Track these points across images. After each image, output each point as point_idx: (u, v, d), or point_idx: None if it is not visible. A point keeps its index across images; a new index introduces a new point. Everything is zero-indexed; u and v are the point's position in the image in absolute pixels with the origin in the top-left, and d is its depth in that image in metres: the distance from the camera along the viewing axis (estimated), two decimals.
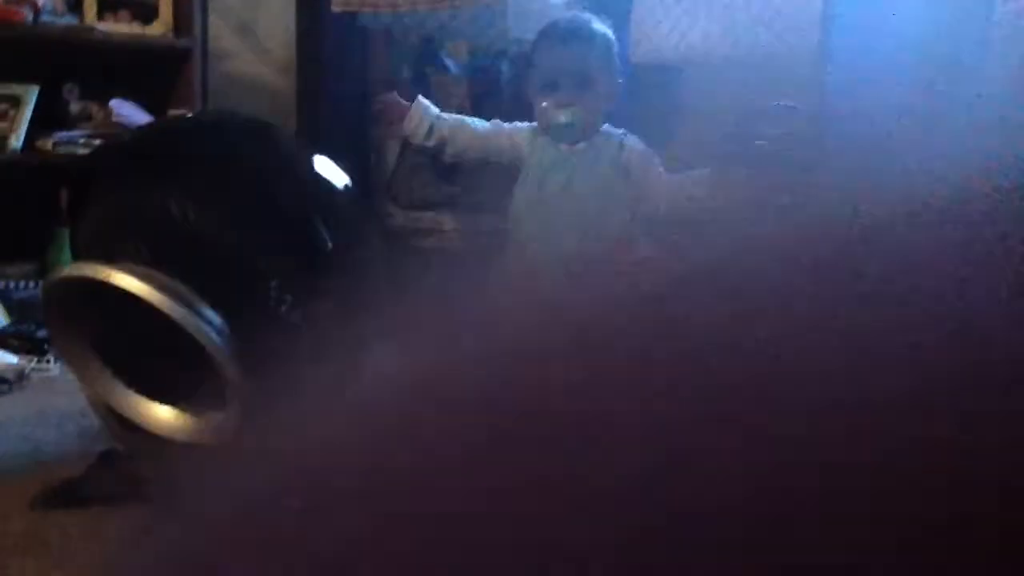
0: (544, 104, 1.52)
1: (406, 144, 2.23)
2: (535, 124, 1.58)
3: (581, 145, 1.54)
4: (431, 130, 1.56)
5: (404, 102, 1.54)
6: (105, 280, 1.06)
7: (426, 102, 1.58)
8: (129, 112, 2.25)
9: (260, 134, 1.24)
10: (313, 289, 1.15)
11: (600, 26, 1.56)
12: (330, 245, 1.17)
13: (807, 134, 1.51)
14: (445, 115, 1.59)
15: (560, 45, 1.52)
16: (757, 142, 2.09)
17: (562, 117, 1.50)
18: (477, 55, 2.42)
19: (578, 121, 1.50)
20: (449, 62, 2.22)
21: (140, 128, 1.72)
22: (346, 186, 1.25)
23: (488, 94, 2.38)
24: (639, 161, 1.53)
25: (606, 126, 1.56)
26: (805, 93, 1.49)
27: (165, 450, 1.18)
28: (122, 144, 1.33)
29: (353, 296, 1.21)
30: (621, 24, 1.95)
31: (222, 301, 1.09)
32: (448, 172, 2.35)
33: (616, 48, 1.57)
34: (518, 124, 1.60)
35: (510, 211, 1.58)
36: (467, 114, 2.45)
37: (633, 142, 1.54)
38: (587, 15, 1.59)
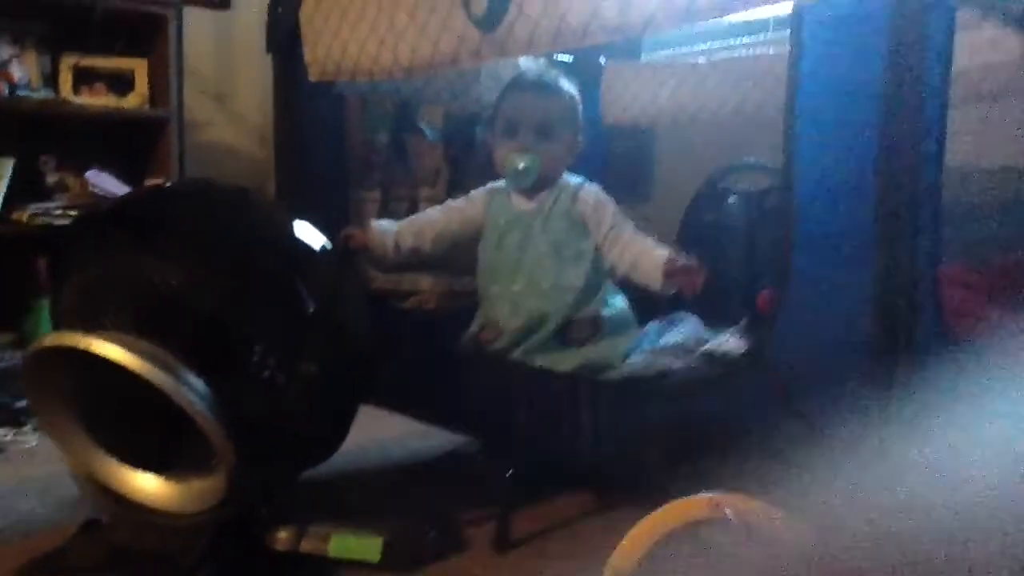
0: (503, 150, 1.56)
1: (383, 209, 2.26)
2: (491, 186, 1.62)
3: (534, 204, 1.57)
4: (397, 245, 1.59)
5: (362, 231, 1.58)
6: (87, 349, 1.06)
7: (381, 223, 1.62)
8: (105, 183, 2.26)
9: (239, 200, 1.25)
10: (297, 351, 1.16)
11: (566, 83, 1.60)
12: (312, 307, 1.18)
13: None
14: (402, 222, 1.63)
15: (523, 93, 1.58)
16: (728, 200, 2.14)
17: (519, 163, 1.53)
18: (451, 120, 2.47)
19: (534, 167, 1.52)
20: (424, 127, 2.26)
21: (121, 196, 1.73)
22: (326, 248, 1.27)
23: (463, 157, 2.41)
24: (591, 212, 1.55)
25: (564, 177, 1.59)
26: (775, 151, 1.54)
27: (149, 519, 1.17)
28: (102, 212, 1.33)
29: (337, 357, 1.21)
30: (592, 87, 2.00)
31: (206, 366, 1.09)
32: None
33: (580, 107, 1.61)
34: (472, 192, 1.64)
35: (476, 271, 1.60)
36: (445, 177, 2.49)
37: (588, 191, 1.57)
38: (555, 72, 1.64)
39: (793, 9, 0.95)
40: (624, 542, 0.85)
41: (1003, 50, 1.40)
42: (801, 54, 0.95)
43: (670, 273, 1.41)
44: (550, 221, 1.55)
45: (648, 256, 1.48)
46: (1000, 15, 0.99)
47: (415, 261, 1.68)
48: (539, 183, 1.56)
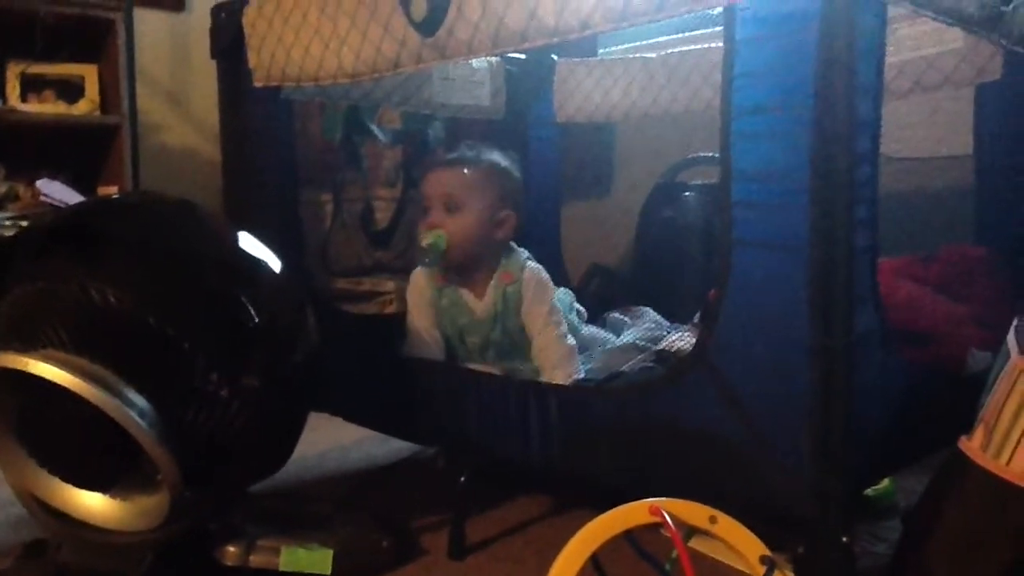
0: (419, 228, 1.53)
1: (337, 211, 2.24)
2: (420, 272, 1.56)
3: (484, 306, 1.51)
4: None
5: None
6: (23, 369, 1.04)
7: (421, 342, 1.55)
8: (57, 191, 2.22)
9: (181, 213, 1.23)
10: (240, 364, 1.14)
11: (488, 156, 1.55)
12: (255, 320, 1.16)
13: None
14: (414, 342, 1.56)
15: (432, 169, 1.55)
16: (684, 194, 2.14)
17: (423, 241, 1.49)
18: (408, 121, 2.46)
19: (438, 244, 1.47)
20: (376, 130, 2.25)
21: (59, 211, 1.70)
22: (272, 260, 1.25)
23: (417, 160, 2.41)
24: (528, 303, 1.50)
25: (507, 256, 1.53)
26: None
27: (94, 538, 1.15)
28: (40, 227, 1.31)
29: (282, 369, 1.20)
30: (546, 85, 2.00)
31: (147, 383, 1.07)
32: (382, 238, 2.36)
33: (511, 180, 1.55)
34: (409, 289, 1.57)
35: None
36: (399, 181, 2.48)
37: (529, 276, 1.51)
38: (482, 149, 1.57)
39: (725, 8, 0.94)
40: (563, 553, 0.84)
41: (947, 39, 1.41)
42: (734, 53, 0.95)
43: None
44: (507, 322, 1.51)
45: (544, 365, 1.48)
46: (931, 10, 0.99)
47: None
48: (457, 261, 1.51)
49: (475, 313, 1.52)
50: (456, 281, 1.54)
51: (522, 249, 1.57)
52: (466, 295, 1.53)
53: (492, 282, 1.52)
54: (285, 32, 1.42)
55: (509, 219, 1.53)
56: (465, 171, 1.52)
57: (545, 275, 1.53)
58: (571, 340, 1.51)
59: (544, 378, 1.45)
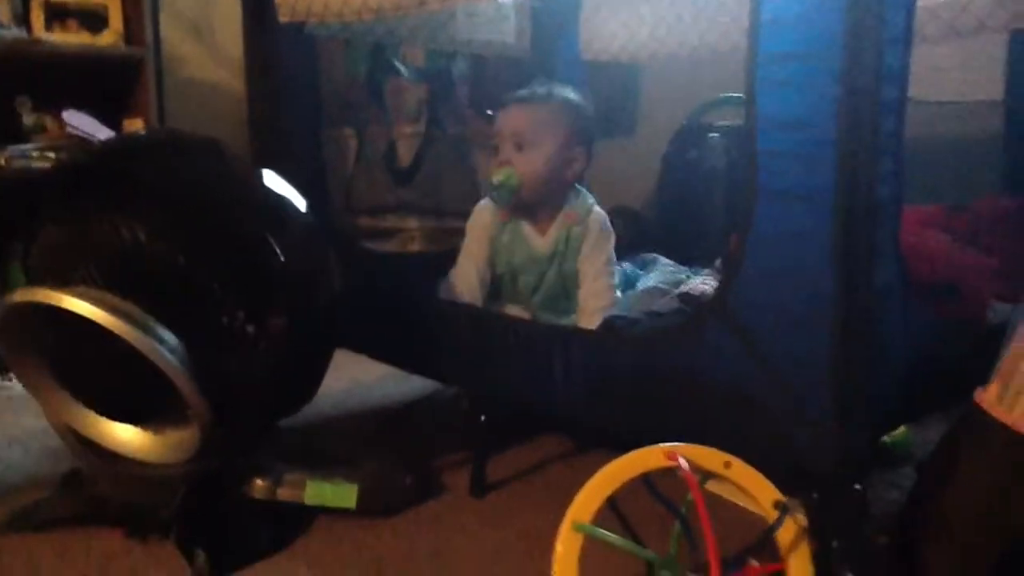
0: (491, 167, 1.50)
1: (361, 149, 2.24)
2: (484, 207, 1.54)
3: (546, 243, 1.49)
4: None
5: None
6: (57, 304, 1.06)
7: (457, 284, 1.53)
8: (83, 123, 2.23)
9: (208, 153, 1.24)
10: (266, 304, 1.16)
11: (560, 93, 1.51)
12: (282, 259, 1.18)
13: None
14: (457, 281, 1.53)
15: (504, 108, 1.51)
16: (710, 135, 2.13)
17: (494, 178, 1.47)
18: (432, 58, 2.44)
19: (508, 182, 1.45)
20: (401, 67, 2.23)
21: (88, 150, 1.71)
22: (297, 200, 1.26)
23: (442, 94, 2.39)
24: (588, 246, 1.49)
25: (574, 198, 1.51)
26: None
27: (127, 470, 1.19)
28: (70, 166, 1.33)
29: (307, 308, 1.22)
30: (571, 22, 1.97)
31: (176, 320, 1.10)
32: (405, 176, 2.36)
33: (583, 118, 1.51)
34: (472, 221, 1.54)
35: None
36: (426, 115, 2.46)
37: (594, 221, 1.49)
38: (554, 85, 1.54)
39: None
40: (580, 495, 0.86)
41: None
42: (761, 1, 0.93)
43: None
44: (564, 264, 1.49)
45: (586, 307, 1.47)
46: None
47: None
48: (526, 198, 1.48)
49: (535, 250, 1.50)
50: (521, 216, 1.51)
51: (588, 192, 1.55)
52: (528, 231, 1.51)
53: (557, 220, 1.50)
54: None
55: (579, 157, 1.50)
56: (536, 108, 1.49)
57: (608, 224, 1.51)
58: (618, 294, 1.51)
59: (581, 323, 1.44)
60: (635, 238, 2.08)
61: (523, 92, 1.54)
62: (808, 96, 0.92)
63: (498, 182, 1.46)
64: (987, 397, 0.96)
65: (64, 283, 1.11)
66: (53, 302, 1.08)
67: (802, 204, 0.94)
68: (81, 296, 1.08)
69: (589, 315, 1.45)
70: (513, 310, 1.51)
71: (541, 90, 1.52)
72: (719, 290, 1.05)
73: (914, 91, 0.96)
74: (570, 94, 1.52)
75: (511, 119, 1.49)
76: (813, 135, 0.92)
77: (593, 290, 1.48)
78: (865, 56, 0.88)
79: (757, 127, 0.96)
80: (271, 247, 1.17)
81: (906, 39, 0.92)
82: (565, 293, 1.52)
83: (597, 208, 1.52)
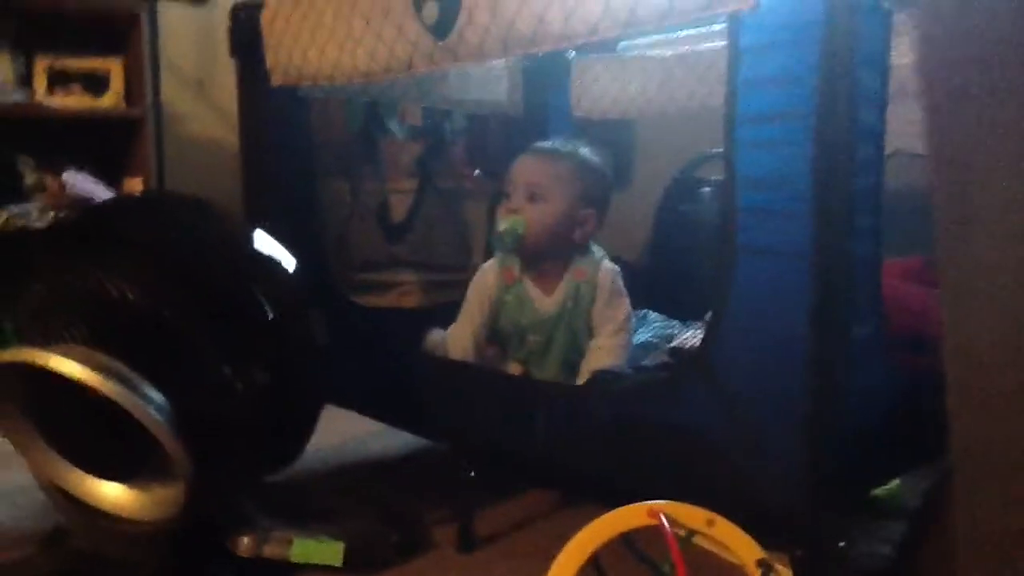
0: (499, 213, 1.49)
1: (354, 204, 2.27)
2: (494, 265, 1.52)
3: (553, 304, 1.47)
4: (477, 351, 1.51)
5: None
6: (44, 365, 1.07)
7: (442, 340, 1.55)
8: (83, 183, 2.27)
9: (197, 212, 1.27)
10: (252, 359, 1.17)
11: (582, 153, 1.50)
12: (269, 315, 1.19)
13: None
14: (455, 336, 1.53)
15: (522, 157, 1.50)
16: (701, 189, 2.15)
17: (500, 224, 1.45)
18: (428, 114, 2.48)
19: (515, 229, 1.43)
20: (394, 127, 2.27)
21: (79, 210, 1.74)
22: (284, 256, 1.28)
23: (437, 151, 2.42)
24: (601, 305, 1.47)
25: (583, 256, 1.49)
26: None
27: (112, 527, 1.19)
28: (61, 226, 1.35)
29: (294, 364, 1.23)
30: (563, 81, 2.01)
31: (162, 376, 1.10)
32: (397, 232, 2.38)
33: (599, 180, 1.50)
34: (478, 277, 1.53)
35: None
36: (415, 176, 2.49)
37: (604, 276, 1.48)
38: (576, 144, 1.53)
39: (729, 16, 0.95)
40: (562, 554, 0.86)
41: None
42: (738, 60, 0.95)
43: None
44: (574, 321, 1.47)
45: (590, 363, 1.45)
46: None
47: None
48: (532, 250, 1.46)
49: (542, 311, 1.48)
50: (527, 274, 1.50)
51: (598, 247, 1.53)
52: (534, 292, 1.49)
53: (565, 276, 1.48)
54: (301, 32, 1.44)
55: (590, 219, 1.48)
56: (555, 162, 1.48)
57: (620, 278, 1.49)
58: (628, 353, 1.48)
59: (581, 376, 1.43)
60: (629, 291, 2.08)
61: (545, 144, 1.54)
62: (784, 155, 0.94)
63: (504, 228, 1.45)
64: None
65: (51, 340, 1.12)
66: (39, 363, 1.08)
67: (780, 261, 0.95)
68: (67, 355, 1.08)
69: (590, 371, 1.43)
70: (517, 369, 1.50)
71: (565, 147, 1.52)
72: (701, 346, 1.06)
73: (899, 144, 0.98)
74: (592, 156, 1.51)
75: (527, 169, 1.48)
76: (789, 193, 0.93)
77: (607, 346, 1.45)
78: (839, 115, 0.90)
79: (736, 185, 0.98)
80: (257, 303, 1.18)
81: (881, 97, 0.94)
82: (577, 346, 1.49)
83: (607, 262, 1.50)
